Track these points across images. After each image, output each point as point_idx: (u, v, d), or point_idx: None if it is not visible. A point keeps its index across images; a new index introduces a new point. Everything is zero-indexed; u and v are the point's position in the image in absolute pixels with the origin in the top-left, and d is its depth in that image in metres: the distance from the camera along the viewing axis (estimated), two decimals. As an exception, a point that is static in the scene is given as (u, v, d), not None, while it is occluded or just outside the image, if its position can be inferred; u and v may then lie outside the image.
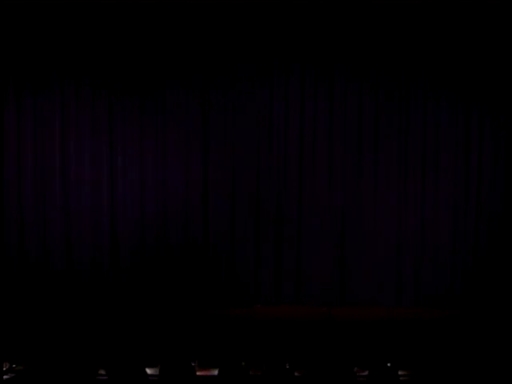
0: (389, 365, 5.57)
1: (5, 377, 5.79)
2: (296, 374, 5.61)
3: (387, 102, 7.39)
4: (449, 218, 7.44)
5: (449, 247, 7.46)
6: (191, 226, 7.49)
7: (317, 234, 7.49)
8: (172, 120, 7.43)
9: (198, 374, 5.68)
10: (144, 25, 7.21)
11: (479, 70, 7.24)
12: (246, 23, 7.22)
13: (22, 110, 7.36)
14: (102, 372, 5.70)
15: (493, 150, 7.36)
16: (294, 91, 7.41)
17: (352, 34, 7.23)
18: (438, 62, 7.27)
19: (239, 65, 7.35)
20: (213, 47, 7.30)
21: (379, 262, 7.46)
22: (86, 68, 7.33)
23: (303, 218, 7.50)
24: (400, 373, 5.61)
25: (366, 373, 5.58)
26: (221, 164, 7.47)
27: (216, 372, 5.64)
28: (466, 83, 7.30)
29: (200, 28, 7.22)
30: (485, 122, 7.36)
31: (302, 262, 7.50)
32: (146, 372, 5.61)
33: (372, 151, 7.43)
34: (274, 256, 7.53)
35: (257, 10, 7.12)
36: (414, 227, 7.47)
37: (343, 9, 7.10)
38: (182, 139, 7.44)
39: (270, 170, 7.48)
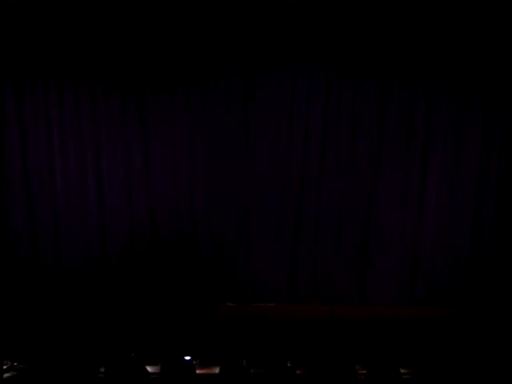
0: (390, 363, 5.58)
1: (6, 375, 5.81)
2: (298, 372, 5.62)
3: (388, 103, 7.38)
4: (452, 218, 7.41)
5: (454, 247, 7.42)
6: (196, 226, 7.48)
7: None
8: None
9: (199, 372, 5.70)
10: (144, 23, 7.19)
11: (480, 70, 7.23)
12: (250, 21, 7.19)
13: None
14: (103, 370, 5.72)
15: (495, 149, 7.35)
16: (300, 92, 7.36)
17: (354, 35, 7.21)
18: (440, 64, 7.25)
19: (239, 64, 7.32)
20: (211, 47, 7.24)
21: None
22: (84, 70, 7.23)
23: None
24: (402, 371, 5.62)
25: (368, 371, 5.59)
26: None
27: (217, 370, 5.66)
28: (467, 84, 7.29)
29: (200, 28, 7.20)
30: (486, 123, 7.34)
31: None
32: (146, 370, 5.64)
33: (375, 151, 7.41)
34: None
35: (261, 10, 7.11)
36: (416, 226, 7.45)
37: (344, 9, 7.09)
38: (183, 137, 7.40)
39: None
